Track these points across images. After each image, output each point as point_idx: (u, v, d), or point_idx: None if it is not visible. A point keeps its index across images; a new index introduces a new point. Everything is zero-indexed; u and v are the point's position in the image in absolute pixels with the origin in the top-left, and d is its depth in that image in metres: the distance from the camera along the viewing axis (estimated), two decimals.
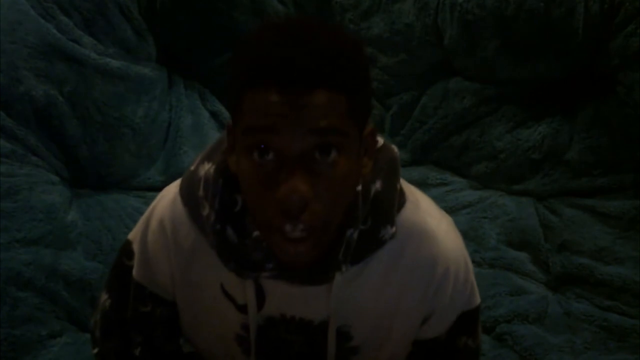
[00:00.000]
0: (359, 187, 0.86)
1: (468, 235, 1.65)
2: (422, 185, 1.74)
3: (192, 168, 0.93)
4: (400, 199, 0.90)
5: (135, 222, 1.53)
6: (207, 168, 0.90)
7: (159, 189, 1.74)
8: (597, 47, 1.65)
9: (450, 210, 1.66)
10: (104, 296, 1.03)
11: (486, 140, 1.79)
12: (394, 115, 1.89)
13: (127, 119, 1.64)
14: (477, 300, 0.98)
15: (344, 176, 0.80)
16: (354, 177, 0.82)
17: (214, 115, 1.83)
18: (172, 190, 0.96)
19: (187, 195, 0.92)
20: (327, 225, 0.81)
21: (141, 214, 1.61)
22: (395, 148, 0.94)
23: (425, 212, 0.93)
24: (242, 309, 0.93)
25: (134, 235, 1.00)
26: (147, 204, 1.60)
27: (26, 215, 1.39)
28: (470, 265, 0.97)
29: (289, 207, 0.77)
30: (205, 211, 0.89)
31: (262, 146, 0.77)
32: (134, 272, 0.98)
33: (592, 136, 1.70)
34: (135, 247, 0.99)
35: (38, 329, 1.32)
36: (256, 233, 0.86)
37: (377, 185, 0.88)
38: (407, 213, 0.90)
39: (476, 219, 1.71)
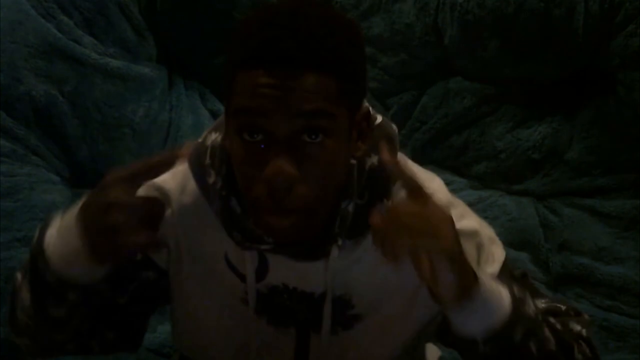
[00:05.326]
0: (354, 161, 0.87)
1: None
2: None
3: (200, 139, 0.95)
4: None
5: None
6: (214, 138, 0.92)
7: None
8: (597, 47, 1.65)
9: None
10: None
11: (486, 140, 1.79)
12: (394, 115, 1.89)
13: (127, 118, 1.64)
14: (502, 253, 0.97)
15: (331, 158, 0.81)
16: (343, 159, 0.84)
17: (214, 115, 1.83)
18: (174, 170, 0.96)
19: (195, 163, 0.93)
20: (313, 207, 0.82)
21: None
22: (393, 124, 0.95)
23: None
24: (244, 278, 0.94)
25: None
26: None
27: (26, 215, 1.39)
28: (475, 219, 0.98)
29: (274, 187, 0.78)
30: (212, 179, 0.90)
31: (251, 128, 0.79)
32: None
33: (592, 136, 1.70)
34: None
35: None
36: None
37: (374, 159, 0.89)
38: (399, 187, 0.91)
39: None
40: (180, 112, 1.78)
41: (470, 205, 1.72)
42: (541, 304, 0.95)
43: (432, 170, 1.80)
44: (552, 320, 0.92)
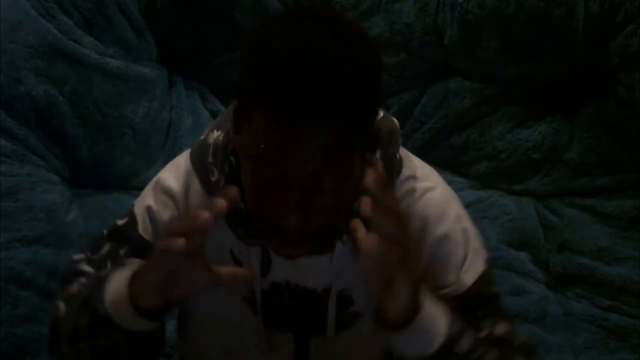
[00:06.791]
0: None
1: None
2: None
3: (203, 137, 0.95)
4: (398, 168, 0.92)
5: None
6: (217, 135, 0.92)
7: None
8: (597, 47, 1.65)
9: None
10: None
11: (486, 140, 1.79)
12: (394, 115, 1.88)
13: (127, 118, 1.64)
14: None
15: (345, 194, 0.80)
16: (359, 181, 0.81)
17: (214, 115, 1.83)
18: (179, 161, 0.98)
19: (198, 162, 0.94)
20: (331, 231, 0.82)
21: None
22: (394, 120, 0.95)
23: (421, 178, 0.95)
24: None
25: (138, 200, 1.01)
26: None
27: (26, 215, 1.39)
28: (469, 224, 0.98)
29: (283, 229, 0.78)
30: (215, 177, 0.90)
31: (264, 166, 0.78)
32: (140, 228, 0.97)
33: (592, 136, 1.70)
34: (138, 210, 0.98)
35: (38, 328, 1.33)
36: None
37: (377, 154, 0.90)
38: (402, 180, 0.93)
39: (476, 219, 1.70)
40: (180, 112, 1.78)
41: (470, 205, 1.75)
42: (500, 329, 0.94)
43: None
44: (492, 355, 0.91)
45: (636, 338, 1.47)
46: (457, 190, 1.81)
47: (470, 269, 0.96)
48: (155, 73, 1.73)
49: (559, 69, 1.72)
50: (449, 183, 1.81)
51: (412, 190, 0.95)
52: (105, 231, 1.01)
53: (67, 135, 1.54)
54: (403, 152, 0.95)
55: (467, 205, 1.77)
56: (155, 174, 1.75)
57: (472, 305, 0.94)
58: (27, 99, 1.48)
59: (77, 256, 1.01)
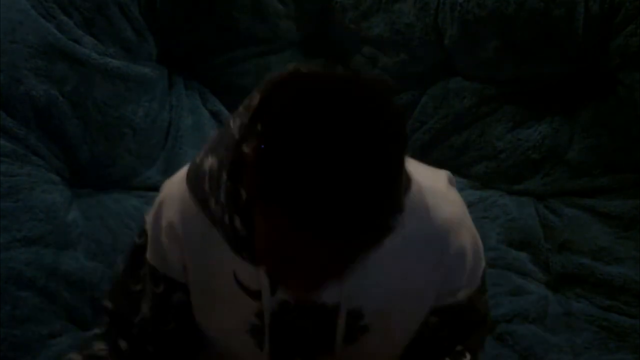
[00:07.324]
0: None
1: None
2: None
3: (197, 161, 0.93)
4: (407, 184, 0.90)
5: (135, 221, 1.54)
6: (211, 163, 0.90)
7: (159, 189, 1.74)
8: (597, 47, 1.65)
9: None
10: (120, 265, 1.05)
11: (486, 140, 1.79)
12: None
13: (127, 118, 1.64)
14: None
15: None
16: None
17: (214, 115, 1.83)
18: (176, 186, 0.97)
19: (195, 188, 0.92)
20: (345, 264, 0.81)
21: (142, 214, 1.60)
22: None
23: (429, 192, 0.94)
24: (256, 295, 0.93)
25: (149, 217, 1.01)
26: (148, 203, 1.60)
27: (26, 215, 1.39)
28: (474, 230, 1.00)
29: (297, 269, 0.78)
30: (213, 205, 0.89)
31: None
32: (148, 255, 0.98)
33: (592, 136, 1.70)
34: (148, 229, 0.99)
35: (38, 328, 1.32)
36: None
37: None
38: (411, 196, 0.90)
39: (476, 219, 1.70)
40: (180, 112, 1.78)
41: (470, 205, 1.74)
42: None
43: None
44: None
45: (636, 338, 1.47)
46: (457, 190, 1.82)
47: (471, 283, 0.98)
48: (155, 73, 1.73)
49: (559, 69, 1.72)
50: None
51: (424, 207, 0.94)
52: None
53: (67, 135, 1.54)
54: (409, 163, 0.91)
55: (467, 205, 1.77)
56: (155, 174, 1.76)
57: (463, 319, 0.98)
58: (27, 99, 1.48)
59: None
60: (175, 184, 0.97)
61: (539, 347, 1.45)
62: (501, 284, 1.56)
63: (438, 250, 0.94)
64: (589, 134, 1.70)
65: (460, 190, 1.79)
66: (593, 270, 1.58)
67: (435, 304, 0.97)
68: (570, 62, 1.70)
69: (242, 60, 1.86)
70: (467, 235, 0.97)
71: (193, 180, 0.93)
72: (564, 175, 1.73)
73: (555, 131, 1.73)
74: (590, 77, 1.71)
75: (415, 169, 0.93)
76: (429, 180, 0.95)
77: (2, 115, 1.44)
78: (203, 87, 1.86)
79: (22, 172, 1.43)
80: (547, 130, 1.74)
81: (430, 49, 1.80)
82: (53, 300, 1.36)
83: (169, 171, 1.70)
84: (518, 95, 1.78)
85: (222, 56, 1.84)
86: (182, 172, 0.97)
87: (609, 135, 1.68)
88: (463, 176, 1.82)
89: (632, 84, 1.62)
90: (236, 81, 1.87)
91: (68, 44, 1.55)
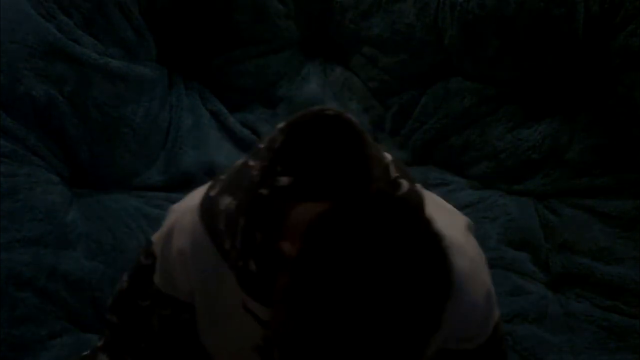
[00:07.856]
0: None
1: None
2: (422, 185, 1.73)
3: (212, 194, 0.92)
4: None
5: (135, 221, 1.54)
6: (228, 203, 0.88)
7: (159, 188, 1.74)
8: (597, 47, 1.65)
9: None
10: (124, 277, 1.05)
11: (486, 140, 1.79)
12: (394, 115, 1.89)
13: (127, 118, 1.64)
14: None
15: None
16: None
17: (214, 115, 1.83)
18: (188, 217, 0.95)
19: (210, 225, 0.91)
20: None
21: (142, 213, 1.60)
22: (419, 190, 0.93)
23: (446, 234, 0.89)
24: (266, 324, 0.91)
25: (157, 239, 1.01)
26: (148, 203, 1.61)
27: (26, 215, 1.39)
28: (488, 283, 0.99)
29: None
30: (227, 245, 0.88)
31: None
32: (156, 279, 0.99)
33: (592, 136, 1.70)
34: (158, 253, 0.99)
35: (38, 329, 1.32)
36: None
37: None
38: None
39: (476, 219, 1.71)
40: (180, 112, 1.78)
41: (470, 205, 1.75)
42: None
43: (432, 170, 1.82)
44: None
45: (636, 338, 1.47)
46: (457, 190, 1.82)
47: (489, 322, 0.98)
48: (155, 73, 1.73)
49: (559, 69, 1.72)
50: (449, 183, 1.83)
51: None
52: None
53: (67, 135, 1.54)
54: (426, 193, 0.92)
55: (467, 205, 1.78)
56: (155, 173, 1.76)
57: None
58: (27, 99, 1.47)
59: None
60: (187, 214, 0.96)
61: (539, 347, 1.45)
62: (501, 284, 1.55)
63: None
64: (589, 134, 1.70)
65: (460, 190, 1.81)
66: (593, 270, 1.58)
67: (442, 345, 0.97)
68: (570, 62, 1.70)
69: (242, 60, 1.86)
70: (480, 289, 0.96)
71: (207, 217, 0.92)
72: (564, 175, 1.73)
73: (555, 131, 1.73)
74: (590, 77, 1.71)
75: (435, 211, 0.88)
76: (446, 228, 0.92)
77: (2, 115, 1.44)
78: (203, 87, 1.87)
79: (22, 172, 1.43)
80: (547, 130, 1.74)
81: (430, 49, 1.80)
82: (53, 301, 1.36)
83: (168, 171, 1.71)
84: (518, 95, 1.78)
85: (222, 56, 1.84)
86: (193, 201, 0.96)
87: (609, 135, 1.68)
88: (463, 176, 1.83)
89: (632, 84, 1.62)
90: (236, 81, 1.87)
91: (68, 44, 1.55)
